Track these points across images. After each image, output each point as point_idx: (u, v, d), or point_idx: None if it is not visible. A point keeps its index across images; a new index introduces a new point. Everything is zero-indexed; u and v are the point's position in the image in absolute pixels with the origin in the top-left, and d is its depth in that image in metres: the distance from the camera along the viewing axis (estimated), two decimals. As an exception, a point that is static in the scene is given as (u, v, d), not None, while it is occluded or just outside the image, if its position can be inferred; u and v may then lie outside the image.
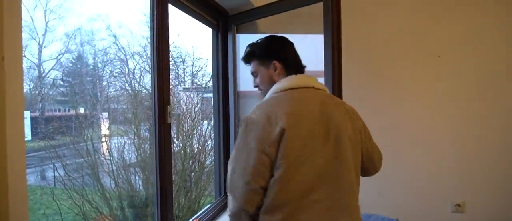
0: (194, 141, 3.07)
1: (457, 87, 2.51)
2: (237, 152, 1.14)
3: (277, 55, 1.30)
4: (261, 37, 1.38)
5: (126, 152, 3.37)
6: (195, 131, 2.63)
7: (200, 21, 2.23)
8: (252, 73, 1.36)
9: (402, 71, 2.61)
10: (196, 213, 2.18)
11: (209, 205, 2.23)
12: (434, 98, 2.55)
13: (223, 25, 2.38)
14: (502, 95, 2.43)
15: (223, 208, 2.22)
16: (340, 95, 1.82)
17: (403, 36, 2.60)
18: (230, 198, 1.14)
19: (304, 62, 1.35)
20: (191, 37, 1.95)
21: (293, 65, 1.31)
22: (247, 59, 1.37)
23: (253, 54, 1.35)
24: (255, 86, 1.36)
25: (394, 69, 2.63)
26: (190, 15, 2.09)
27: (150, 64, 1.53)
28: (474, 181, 2.48)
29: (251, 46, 1.36)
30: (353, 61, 2.46)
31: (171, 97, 1.71)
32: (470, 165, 2.48)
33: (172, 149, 1.71)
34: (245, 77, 2.28)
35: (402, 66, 2.61)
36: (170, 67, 1.66)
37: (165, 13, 1.65)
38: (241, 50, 2.26)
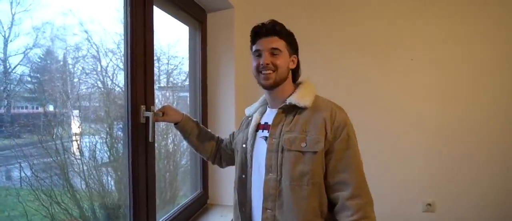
0: (169, 141, 3.00)
1: (427, 89, 2.58)
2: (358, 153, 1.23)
3: (297, 53, 1.32)
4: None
5: (98, 152, 3.24)
6: (170, 131, 2.57)
7: (182, 21, 2.20)
8: (274, 49, 1.22)
9: (377, 72, 2.66)
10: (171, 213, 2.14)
11: (185, 200, 2.21)
12: (404, 100, 2.61)
13: (204, 25, 2.40)
14: (472, 97, 2.52)
15: (201, 205, 2.20)
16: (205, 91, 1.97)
17: (379, 39, 2.65)
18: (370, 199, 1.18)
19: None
20: (166, 35, 1.90)
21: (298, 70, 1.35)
22: (275, 33, 1.22)
23: (285, 33, 1.25)
24: (267, 63, 1.21)
25: (368, 69, 2.68)
26: (172, 16, 2.05)
27: (123, 61, 1.48)
28: (443, 181, 2.56)
29: (281, 24, 1.24)
30: (323, 61, 2.48)
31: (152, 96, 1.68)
32: (440, 166, 2.56)
33: (155, 150, 1.68)
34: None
35: (376, 66, 2.66)
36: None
37: (149, 11, 1.61)
38: (212, 48, 2.23)
